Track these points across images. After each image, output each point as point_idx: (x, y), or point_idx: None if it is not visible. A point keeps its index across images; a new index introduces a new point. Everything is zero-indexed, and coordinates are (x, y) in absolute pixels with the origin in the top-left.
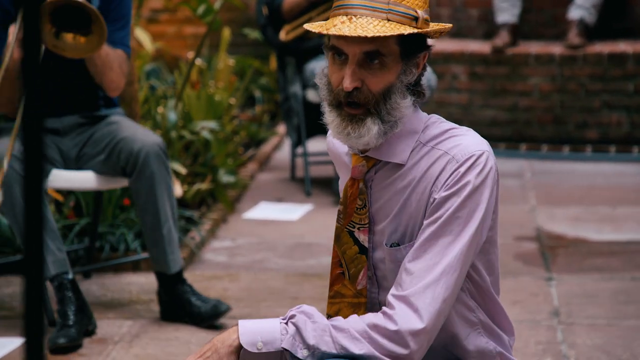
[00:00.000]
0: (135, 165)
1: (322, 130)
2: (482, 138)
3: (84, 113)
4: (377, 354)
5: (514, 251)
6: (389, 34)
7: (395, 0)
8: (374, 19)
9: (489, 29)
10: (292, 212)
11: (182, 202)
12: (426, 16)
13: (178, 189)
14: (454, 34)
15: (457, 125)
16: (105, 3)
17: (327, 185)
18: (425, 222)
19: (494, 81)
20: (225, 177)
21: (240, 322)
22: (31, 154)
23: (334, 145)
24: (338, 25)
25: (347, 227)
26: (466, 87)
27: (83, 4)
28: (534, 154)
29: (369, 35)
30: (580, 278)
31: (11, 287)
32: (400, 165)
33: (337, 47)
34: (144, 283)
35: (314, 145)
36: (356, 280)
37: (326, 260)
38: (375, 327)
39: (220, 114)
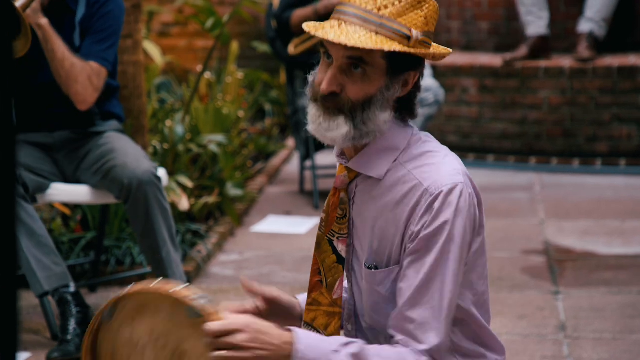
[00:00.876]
0: (129, 194)
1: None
2: (457, 164)
3: (75, 129)
4: None
5: (522, 265)
6: (369, 46)
7: (391, 16)
8: (362, 29)
9: (500, 42)
10: (300, 225)
11: (189, 216)
12: (423, 37)
13: (185, 203)
14: (464, 47)
15: (437, 147)
16: (89, 14)
17: None
18: (408, 261)
19: (504, 94)
20: (232, 191)
21: (297, 334)
22: (3, 173)
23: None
24: (327, 29)
25: (328, 235)
26: (476, 100)
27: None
28: (544, 167)
29: (349, 44)
30: (587, 292)
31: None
32: (378, 181)
33: (325, 47)
34: None
35: (323, 158)
36: (332, 289)
37: None
38: None
39: (228, 127)
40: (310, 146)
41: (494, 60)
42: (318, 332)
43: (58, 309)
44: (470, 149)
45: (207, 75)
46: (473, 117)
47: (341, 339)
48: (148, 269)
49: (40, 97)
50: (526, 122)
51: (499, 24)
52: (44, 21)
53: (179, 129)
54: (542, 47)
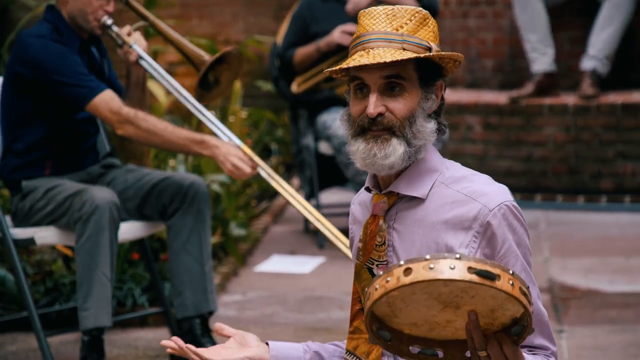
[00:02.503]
0: (184, 201)
1: (334, 182)
2: (499, 186)
3: (102, 162)
4: None
5: None
6: (406, 57)
7: (410, 33)
8: (390, 49)
9: (504, 80)
10: (304, 264)
11: None
12: (438, 49)
13: None
14: (469, 84)
15: (476, 172)
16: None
17: None
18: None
19: (509, 132)
20: (236, 230)
21: (271, 344)
22: None
23: (355, 207)
24: (357, 59)
25: (366, 263)
26: (481, 138)
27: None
28: (549, 204)
29: (388, 60)
30: (591, 330)
31: (15, 345)
32: (420, 201)
33: (358, 77)
34: (151, 339)
35: (327, 197)
36: None
37: (336, 314)
38: None
39: None
40: (315, 185)
41: (498, 97)
42: None
43: (84, 351)
44: None
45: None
46: (478, 155)
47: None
48: (150, 310)
49: (78, 132)
50: (531, 159)
51: (504, 61)
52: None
53: (182, 169)
54: (548, 83)
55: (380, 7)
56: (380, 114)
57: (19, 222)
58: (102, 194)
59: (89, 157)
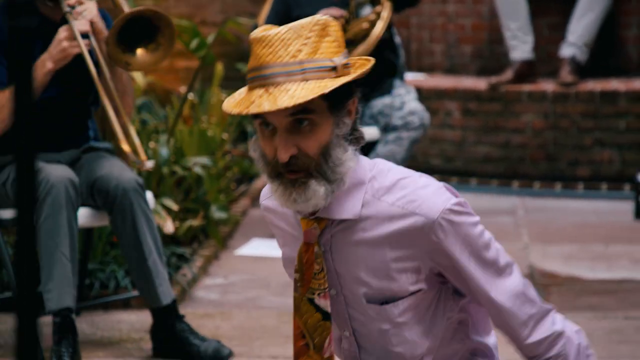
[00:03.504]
0: (114, 202)
1: None
2: (433, 181)
3: (81, 146)
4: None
5: None
6: (310, 96)
7: (308, 58)
8: (290, 84)
9: (482, 66)
10: None
11: (174, 239)
12: (344, 60)
13: (170, 225)
14: (448, 70)
15: (405, 172)
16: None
17: None
18: (477, 290)
19: (487, 118)
20: (217, 214)
21: None
22: (24, 189)
23: (271, 213)
24: (256, 102)
25: (306, 295)
26: (459, 124)
27: (152, 12)
28: (527, 190)
29: (291, 104)
30: (573, 317)
31: (1, 325)
32: (354, 222)
33: (262, 117)
34: (135, 321)
35: None
36: (322, 349)
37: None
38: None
39: (213, 149)
40: None
41: (477, 83)
42: None
43: (57, 333)
44: (453, 172)
45: (190, 96)
46: (456, 141)
47: None
48: (133, 293)
49: (48, 112)
50: (509, 145)
51: (482, 47)
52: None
53: (164, 151)
54: (527, 71)
55: (273, 32)
56: (292, 156)
57: None
58: (57, 173)
59: (66, 139)
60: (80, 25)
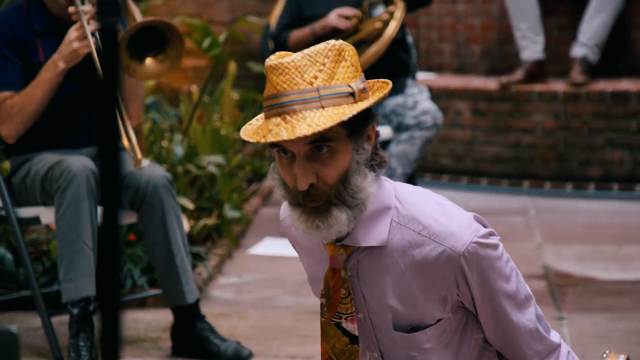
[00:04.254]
0: (144, 198)
1: None
2: (465, 215)
3: (96, 146)
4: None
5: None
6: (328, 125)
7: (325, 84)
8: (308, 111)
9: (491, 65)
10: None
11: (189, 238)
12: (362, 85)
13: (186, 224)
14: (457, 69)
15: (430, 199)
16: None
17: None
18: (488, 317)
19: (498, 117)
20: (230, 212)
21: None
22: (109, 182)
23: (293, 230)
24: (274, 130)
25: (334, 319)
26: (469, 124)
27: (165, 24)
28: (537, 191)
29: (309, 133)
30: (591, 317)
31: (14, 324)
32: (381, 248)
33: (279, 145)
34: (151, 320)
35: None
36: None
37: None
38: None
39: (226, 148)
40: None
41: (487, 83)
42: None
43: (75, 325)
44: (463, 172)
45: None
46: (466, 140)
47: None
48: (150, 292)
49: (64, 109)
50: (519, 145)
51: (491, 47)
52: None
53: (178, 150)
54: (537, 71)
55: (288, 59)
56: (311, 184)
57: (17, 200)
58: (79, 163)
59: (83, 137)
60: (91, 26)
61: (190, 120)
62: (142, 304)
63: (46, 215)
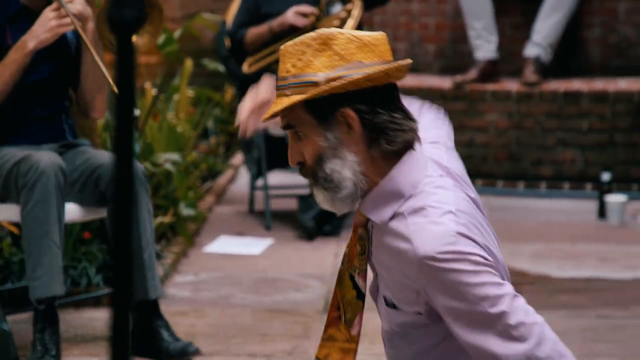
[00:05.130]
0: None
1: (282, 164)
2: (453, 224)
3: (60, 142)
4: None
5: None
6: (277, 109)
7: (297, 72)
8: (280, 98)
9: (445, 65)
10: (253, 246)
11: None
12: (333, 75)
13: None
14: (411, 68)
15: (442, 200)
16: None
17: (287, 219)
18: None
19: (451, 117)
20: (185, 210)
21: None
22: (123, 175)
23: None
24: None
25: (350, 270)
26: None
27: None
28: (490, 189)
29: (264, 119)
30: (547, 315)
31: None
32: (384, 226)
33: None
34: (107, 319)
35: (274, 178)
36: (351, 325)
37: (293, 296)
38: None
39: (182, 145)
40: (263, 166)
41: (441, 82)
42: None
43: (41, 321)
44: None
45: (154, 92)
46: None
47: None
48: (105, 291)
49: (32, 99)
50: (473, 144)
51: (445, 46)
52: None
53: (135, 147)
54: (491, 71)
55: (284, 46)
56: (299, 162)
57: None
58: (47, 158)
59: (44, 132)
60: (74, 6)
61: (147, 117)
62: (97, 302)
63: (3, 212)
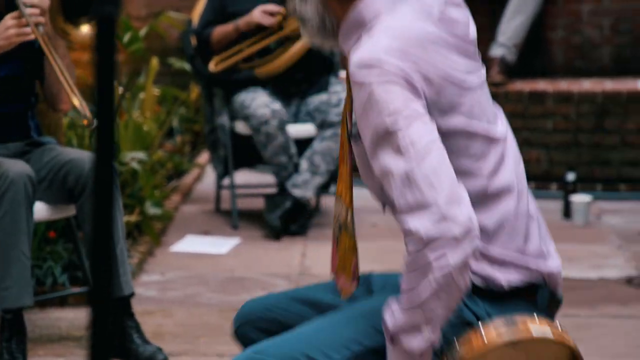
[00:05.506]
0: (86, 185)
1: (249, 163)
2: (388, 43)
3: (26, 140)
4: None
5: None
6: None
7: None
8: None
9: None
10: (220, 245)
11: None
12: None
13: None
14: None
15: (393, 28)
16: None
17: (254, 218)
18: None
19: None
20: (152, 209)
21: None
22: (102, 175)
23: None
24: None
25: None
26: None
27: None
28: None
29: None
30: None
31: None
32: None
33: None
34: (73, 319)
35: (241, 177)
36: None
37: (260, 295)
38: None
39: (148, 144)
40: (230, 165)
41: None
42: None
43: (8, 330)
44: None
45: (120, 90)
46: None
47: None
48: (71, 290)
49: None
50: None
51: None
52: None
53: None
54: None
55: None
56: None
57: None
58: (16, 168)
59: (10, 130)
60: (34, 16)
61: (114, 115)
62: (63, 302)
63: None
